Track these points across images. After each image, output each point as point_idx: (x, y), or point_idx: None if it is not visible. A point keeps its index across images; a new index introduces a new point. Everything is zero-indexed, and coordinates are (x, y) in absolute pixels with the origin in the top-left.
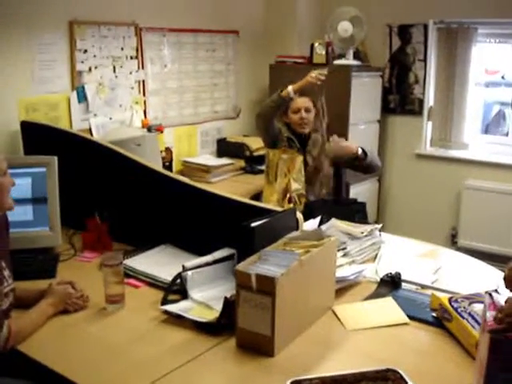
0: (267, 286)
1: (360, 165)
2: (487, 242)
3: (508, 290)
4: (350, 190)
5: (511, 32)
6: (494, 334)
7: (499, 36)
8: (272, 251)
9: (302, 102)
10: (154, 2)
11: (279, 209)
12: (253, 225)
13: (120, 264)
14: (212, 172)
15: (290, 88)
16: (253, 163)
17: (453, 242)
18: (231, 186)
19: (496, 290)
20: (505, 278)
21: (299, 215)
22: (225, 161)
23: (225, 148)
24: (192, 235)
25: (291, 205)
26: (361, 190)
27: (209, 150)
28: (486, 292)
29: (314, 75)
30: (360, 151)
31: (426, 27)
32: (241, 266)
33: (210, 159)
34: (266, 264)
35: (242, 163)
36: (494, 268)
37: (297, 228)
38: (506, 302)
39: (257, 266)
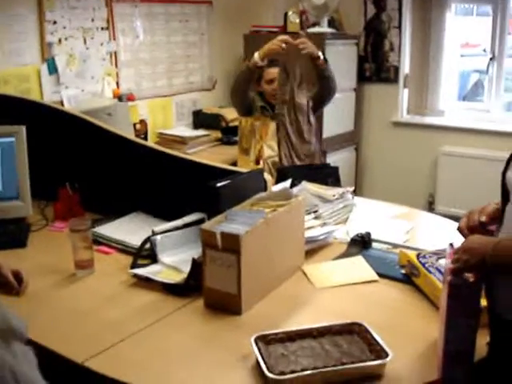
0: (232, 244)
1: (321, 70)
2: (464, 207)
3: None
4: (327, 158)
5: None
6: (453, 278)
7: (474, 1)
8: (238, 211)
9: (275, 72)
10: None
11: (246, 170)
12: (218, 185)
13: (87, 229)
14: (188, 143)
15: (256, 55)
16: (229, 134)
17: (430, 208)
18: (207, 156)
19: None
20: (459, 228)
21: (267, 176)
22: (201, 132)
23: (201, 119)
24: (163, 202)
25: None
26: (338, 159)
27: (185, 122)
28: (449, 243)
29: (277, 40)
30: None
31: None
32: (206, 225)
33: (185, 131)
34: (232, 223)
35: (218, 134)
36: None
37: (265, 189)
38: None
39: (223, 225)
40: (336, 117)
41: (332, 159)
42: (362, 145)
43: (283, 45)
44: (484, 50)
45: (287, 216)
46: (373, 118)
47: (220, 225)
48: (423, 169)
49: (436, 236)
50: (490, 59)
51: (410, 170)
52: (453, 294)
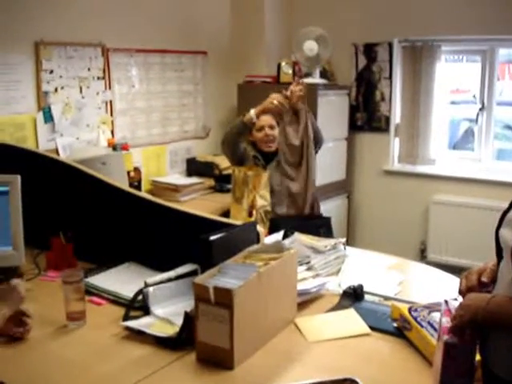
0: (225, 299)
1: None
2: (456, 255)
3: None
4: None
5: (474, 48)
6: (449, 337)
7: (462, 52)
8: (231, 264)
9: (265, 119)
10: (121, 23)
11: (239, 223)
12: (211, 238)
13: (80, 281)
14: (181, 191)
15: (252, 112)
16: (222, 182)
17: (422, 256)
18: (200, 204)
19: (455, 299)
20: (459, 292)
21: (260, 228)
22: (194, 180)
23: (194, 167)
24: (157, 252)
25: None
26: (330, 207)
27: (178, 170)
28: (444, 300)
29: (275, 101)
30: None
31: (390, 45)
32: (199, 279)
33: (179, 178)
34: (224, 277)
35: (211, 182)
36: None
37: (257, 241)
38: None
39: (215, 278)
40: (328, 165)
41: (324, 207)
42: (354, 193)
43: (279, 105)
44: (474, 96)
45: (280, 269)
46: (364, 166)
47: (213, 278)
48: (415, 217)
49: (428, 287)
50: (480, 109)
51: (402, 217)
52: (448, 353)
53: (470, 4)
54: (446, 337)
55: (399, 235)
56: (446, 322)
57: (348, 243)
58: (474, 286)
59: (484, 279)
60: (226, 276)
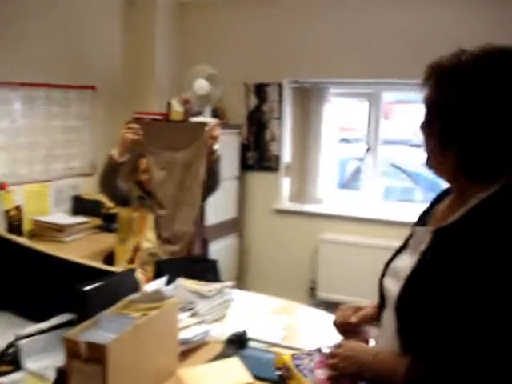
0: (97, 354)
1: (214, 165)
2: (345, 293)
3: (339, 334)
4: (210, 246)
5: (361, 91)
6: None
7: (350, 95)
8: (107, 315)
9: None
10: (3, 56)
11: (119, 269)
12: (86, 288)
13: None
14: (65, 231)
15: (115, 152)
16: (109, 221)
17: (312, 294)
18: (85, 245)
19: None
20: (334, 323)
21: (139, 276)
22: (79, 219)
23: (80, 205)
24: (32, 302)
25: (141, 266)
26: (221, 247)
27: (63, 208)
28: (317, 348)
29: (124, 131)
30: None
31: (280, 86)
32: (71, 333)
33: (63, 217)
34: (99, 330)
35: (98, 221)
36: None
37: (137, 289)
38: (339, 346)
39: (90, 332)
40: (219, 204)
41: (215, 247)
42: (245, 232)
43: (129, 134)
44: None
45: (159, 320)
46: (256, 205)
47: (87, 332)
48: (304, 255)
49: (314, 331)
50: (367, 150)
51: (293, 256)
52: None
53: (357, 49)
54: None
55: (290, 273)
56: (321, 374)
57: (239, 281)
58: (346, 322)
59: (353, 320)
60: (101, 329)
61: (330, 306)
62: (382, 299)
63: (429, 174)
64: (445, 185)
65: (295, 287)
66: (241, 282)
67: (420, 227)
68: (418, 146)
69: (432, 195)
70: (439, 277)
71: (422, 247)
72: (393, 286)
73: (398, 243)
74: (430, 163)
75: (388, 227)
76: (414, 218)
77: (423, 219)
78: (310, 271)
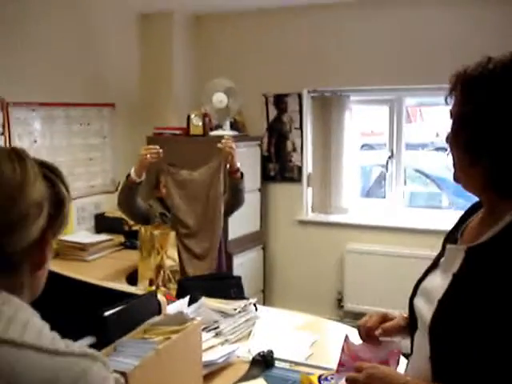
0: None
1: (237, 183)
2: (372, 303)
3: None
4: (234, 260)
5: (381, 98)
6: None
7: (371, 102)
8: (128, 341)
9: None
10: (23, 77)
11: (140, 292)
12: (106, 314)
13: None
14: (88, 250)
15: (133, 172)
16: (132, 238)
17: (339, 306)
18: (109, 263)
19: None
20: (358, 326)
21: (161, 298)
22: (102, 237)
23: (103, 223)
24: (52, 326)
25: (164, 284)
26: (245, 260)
27: (86, 226)
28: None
29: (144, 152)
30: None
31: (300, 96)
32: None
33: (86, 236)
34: (120, 356)
35: (121, 238)
36: None
37: (159, 312)
38: (359, 370)
39: (110, 358)
40: (242, 217)
41: (239, 260)
42: (269, 244)
43: (148, 156)
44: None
45: (181, 343)
46: (279, 217)
47: (107, 358)
48: (330, 266)
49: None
50: (389, 157)
51: (318, 267)
52: None
53: (377, 56)
54: None
55: (316, 285)
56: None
57: (264, 295)
58: (372, 329)
59: (378, 332)
60: (122, 355)
61: (358, 317)
62: (413, 320)
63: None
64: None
65: (322, 299)
66: (266, 295)
67: (451, 245)
68: (442, 149)
69: (459, 200)
70: (474, 300)
71: (455, 267)
72: (425, 308)
73: (424, 251)
74: (458, 176)
75: (414, 235)
76: (441, 225)
77: (454, 235)
78: (336, 282)
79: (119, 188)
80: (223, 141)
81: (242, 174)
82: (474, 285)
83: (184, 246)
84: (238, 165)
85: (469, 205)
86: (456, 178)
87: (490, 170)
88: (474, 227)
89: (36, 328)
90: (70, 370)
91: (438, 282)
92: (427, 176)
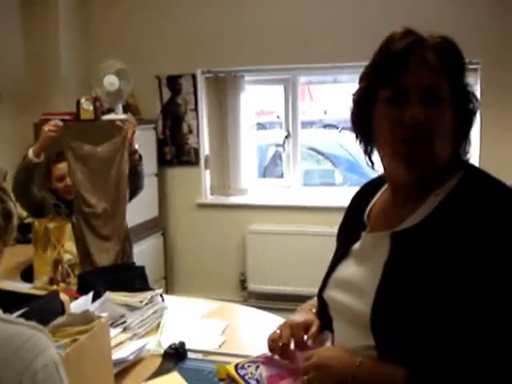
0: None
1: (135, 165)
2: (275, 283)
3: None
4: (134, 248)
5: (275, 78)
6: None
7: (266, 82)
8: None
9: (64, 168)
10: None
11: (40, 292)
12: None
13: None
14: None
15: (31, 152)
16: (25, 232)
17: (243, 287)
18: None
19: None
20: (272, 340)
21: (64, 296)
22: None
23: None
24: None
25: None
26: (145, 248)
27: None
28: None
29: (47, 129)
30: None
31: (194, 77)
32: None
33: None
34: None
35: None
36: (282, 318)
37: (63, 312)
38: (309, 357)
39: None
40: (139, 204)
41: (139, 248)
42: (169, 229)
43: (47, 129)
44: (278, 117)
45: (90, 344)
46: (177, 201)
47: None
48: (233, 248)
49: (252, 332)
50: (286, 137)
51: (220, 250)
52: None
53: (271, 35)
54: None
55: (219, 267)
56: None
57: (167, 282)
58: (288, 344)
59: (310, 343)
60: None
61: (261, 297)
62: (325, 312)
63: (347, 155)
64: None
65: (225, 281)
66: (168, 282)
67: (370, 233)
68: (331, 126)
69: (352, 176)
70: (414, 285)
71: (382, 255)
72: (348, 299)
73: (323, 228)
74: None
75: (312, 213)
76: (336, 202)
77: (358, 219)
78: (239, 264)
79: (15, 172)
80: (126, 117)
81: (140, 156)
82: (410, 269)
83: (88, 225)
84: (137, 146)
85: (364, 181)
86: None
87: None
88: (386, 210)
89: None
90: (20, 334)
91: (360, 272)
92: (321, 153)
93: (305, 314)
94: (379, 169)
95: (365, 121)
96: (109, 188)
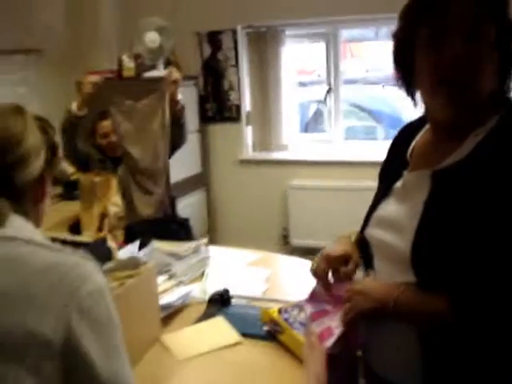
0: None
1: (178, 117)
2: (318, 238)
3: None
4: (177, 203)
5: (317, 31)
6: (331, 348)
7: (307, 36)
8: None
9: (107, 125)
10: None
11: (88, 240)
12: None
13: None
14: None
15: (74, 106)
16: (71, 189)
17: (285, 242)
18: (48, 215)
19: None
20: (315, 273)
21: (111, 243)
22: None
23: None
24: None
25: (110, 231)
26: (188, 203)
27: None
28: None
29: (87, 82)
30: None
31: (234, 33)
32: None
33: None
34: None
35: (58, 190)
36: None
37: (110, 258)
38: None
39: None
40: (182, 160)
41: (183, 203)
42: (211, 185)
43: (91, 85)
44: (319, 75)
45: (137, 288)
46: (220, 157)
47: None
48: (274, 204)
49: (295, 280)
50: (327, 91)
51: (262, 205)
52: (331, 365)
53: None
54: (326, 345)
55: (261, 223)
56: (319, 328)
57: (210, 237)
58: (338, 276)
59: (347, 270)
60: None
61: (305, 252)
62: (366, 250)
63: (390, 111)
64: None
65: (268, 237)
66: (212, 237)
67: (413, 171)
68: (374, 83)
69: (394, 132)
70: (454, 223)
71: (423, 194)
72: (387, 237)
73: (364, 183)
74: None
75: (355, 168)
76: (379, 157)
77: (401, 159)
78: (281, 219)
79: (60, 126)
80: (167, 70)
81: (183, 106)
82: (449, 207)
83: (133, 179)
84: (180, 97)
85: None
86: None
87: None
88: (427, 149)
89: (40, 235)
90: (66, 262)
91: (401, 210)
92: (364, 110)
93: (343, 244)
94: (422, 108)
95: (406, 60)
96: (151, 142)
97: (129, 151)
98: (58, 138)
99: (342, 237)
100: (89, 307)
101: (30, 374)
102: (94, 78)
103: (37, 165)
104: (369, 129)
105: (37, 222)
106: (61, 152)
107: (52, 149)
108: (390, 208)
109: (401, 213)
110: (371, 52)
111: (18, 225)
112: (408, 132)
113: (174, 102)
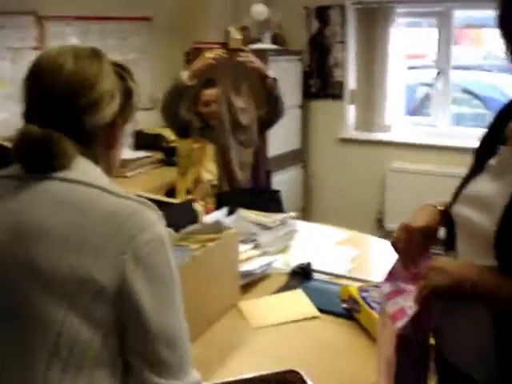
0: None
1: (270, 90)
2: None
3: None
4: (273, 177)
5: (429, 10)
6: (402, 329)
7: (417, 15)
8: None
9: (211, 94)
10: None
11: (175, 201)
12: None
13: None
14: (128, 166)
15: (185, 75)
16: (171, 155)
17: (380, 226)
18: (148, 179)
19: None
20: (394, 244)
21: (198, 207)
22: (141, 153)
23: (142, 140)
24: None
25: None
26: (284, 178)
27: (125, 143)
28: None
29: (204, 57)
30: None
31: (343, 8)
32: None
33: (125, 153)
34: None
35: (160, 155)
36: None
37: (196, 221)
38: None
39: None
40: (282, 134)
41: (279, 178)
42: (309, 162)
43: (211, 60)
44: (432, 61)
45: (217, 251)
46: (320, 134)
47: None
48: (371, 185)
49: (383, 262)
50: (437, 74)
51: (359, 186)
52: (402, 346)
53: None
54: (398, 326)
55: (356, 203)
56: (393, 307)
57: (304, 213)
58: (419, 249)
59: (430, 246)
60: None
61: None
62: (449, 230)
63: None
64: None
65: (362, 218)
66: (305, 214)
67: (508, 146)
68: (490, 71)
69: None
70: None
71: None
72: (475, 215)
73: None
74: None
75: (460, 154)
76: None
77: (498, 136)
78: (377, 202)
79: (166, 92)
80: (243, 55)
81: (274, 79)
82: None
83: (233, 134)
84: (270, 73)
85: None
86: None
87: None
88: None
89: (105, 180)
90: (126, 208)
91: (492, 187)
92: (476, 96)
93: (427, 214)
94: None
95: None
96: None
97: (225, 126)
98: (135, 85)
99: (428, 204)
100: (145, 256)
101: (81, 317)
102: (217, 51)
103: (109, 110)
104: (479, 116)
105: (108, 169)
106: (135, 98)
107: (127, 95)
108: (481, 185)
109: (492, 191)
110: (490, 39)
111: (84, 168)
112: (510, 108)
113: (262, 76)
